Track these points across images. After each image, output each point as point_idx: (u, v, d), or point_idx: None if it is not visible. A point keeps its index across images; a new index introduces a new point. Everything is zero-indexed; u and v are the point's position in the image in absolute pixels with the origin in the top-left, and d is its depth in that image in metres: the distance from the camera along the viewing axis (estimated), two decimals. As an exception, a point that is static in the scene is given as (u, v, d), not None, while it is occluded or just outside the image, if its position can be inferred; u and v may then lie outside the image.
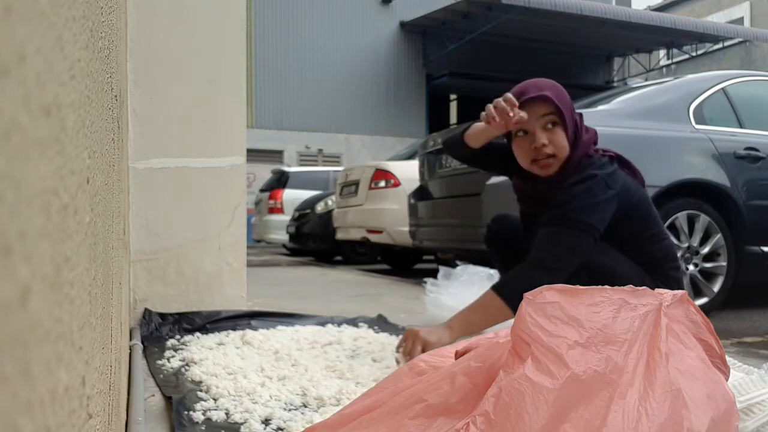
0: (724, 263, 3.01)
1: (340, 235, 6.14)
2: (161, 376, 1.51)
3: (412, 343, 1.59)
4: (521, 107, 1.66)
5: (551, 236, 1.64)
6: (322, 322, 2.21)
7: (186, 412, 1.19)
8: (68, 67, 0.31)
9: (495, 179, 3.16)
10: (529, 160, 1.72)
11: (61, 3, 0.29)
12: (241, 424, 1.14)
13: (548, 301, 0.77)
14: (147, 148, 2.22)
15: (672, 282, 1.79)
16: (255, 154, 12.66)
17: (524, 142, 1.70)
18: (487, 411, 0.68)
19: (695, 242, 2.96)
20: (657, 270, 1.79)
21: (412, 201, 4.40)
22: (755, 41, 14.84)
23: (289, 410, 1.23)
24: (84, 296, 0.37)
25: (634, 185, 1.76)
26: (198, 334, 1.99)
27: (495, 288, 1.65)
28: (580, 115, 1.77)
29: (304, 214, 7.50)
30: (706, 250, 2.98)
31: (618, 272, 1.70)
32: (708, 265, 2.99)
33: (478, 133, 1.79)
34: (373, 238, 5.45)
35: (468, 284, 2.35)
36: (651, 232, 1.78)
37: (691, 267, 2.96)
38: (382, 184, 5.40)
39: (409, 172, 5.07)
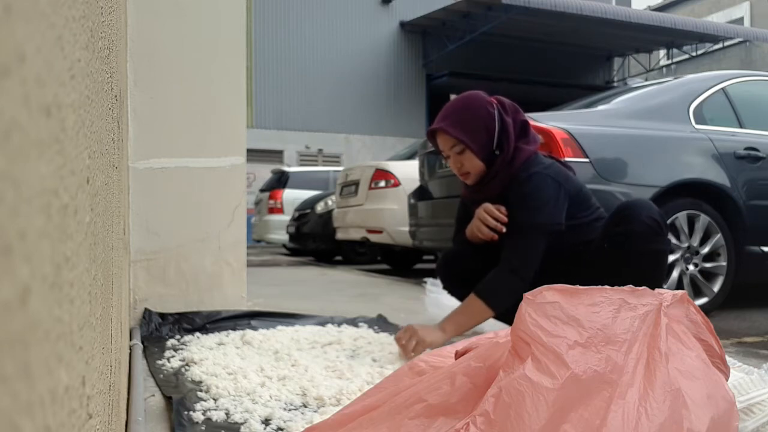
0: (724, 263, 3.00)
1: (340, 235, 6.13)
2: (161, 376, 1.51)
3: (409, 337, 1.72)
4: (431, 137, 1.92)
5: (518, 245, 1.84)
6: (322, 322, 2.21)
7: (186, 412, 1.19)
8: (68, 67, 0.31)
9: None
10: (456, 174, 1.99)
11: (61, 3, 0.29)
12: (241, 424, 1.14)
13: (548, 301, 0.77)
14: (147, 148, 2.22)
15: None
16: (255, 154, 12.66)
17: (449, 162, 1.97)
18: (487, 411, 0.68)
19: (695, 242, 2.96)
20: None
21: (412, 201, 4.40)
22: (755, 41, 14.84)
23: (289, 410, 1.23)
24: (84, 296, 0.37)
25: (571, 175, 1.98)
26: (198, 334, 1.99)
27: (476, 291, 1.81)
28: (524, 122, 1.92)
29: (304, 214, 7.50)
30: (706, 250, 2.98)
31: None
32: (708, 265, 2.99)
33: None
34: (373, 238, 5.44)
35: (468, 284, 2.35)
36: (594, 216, 1.98)
37: (691, 267, 2.96)
38: (382, 184, 5.39)
39: (409, 172, 5.06)
